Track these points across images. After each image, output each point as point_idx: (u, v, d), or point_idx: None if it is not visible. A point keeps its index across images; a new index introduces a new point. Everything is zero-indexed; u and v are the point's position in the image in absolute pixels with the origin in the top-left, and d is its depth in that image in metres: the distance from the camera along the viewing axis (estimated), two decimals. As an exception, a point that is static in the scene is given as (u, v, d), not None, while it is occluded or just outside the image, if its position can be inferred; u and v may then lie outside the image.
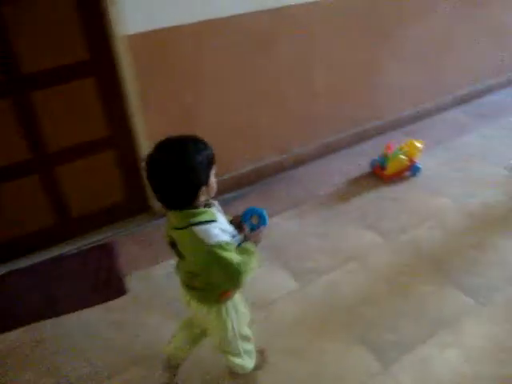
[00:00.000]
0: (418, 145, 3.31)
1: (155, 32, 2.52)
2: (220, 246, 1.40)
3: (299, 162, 3.50)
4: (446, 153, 3.57)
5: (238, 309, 1.68)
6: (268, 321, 2.26)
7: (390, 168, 3.24)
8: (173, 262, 1.65)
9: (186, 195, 1.42)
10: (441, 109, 4.17)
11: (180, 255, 1.53)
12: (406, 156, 3.26)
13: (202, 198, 1.46)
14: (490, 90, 4.49)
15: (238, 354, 1.77)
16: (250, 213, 1.63)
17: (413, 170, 3.30)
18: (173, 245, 1.52)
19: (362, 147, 3.71)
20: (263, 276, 2.51)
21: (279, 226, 2.91)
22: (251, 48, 2.92)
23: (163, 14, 2.51)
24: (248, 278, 1.47)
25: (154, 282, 2.53)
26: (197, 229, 1.40)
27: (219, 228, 1.44)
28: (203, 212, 1.44)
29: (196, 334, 1.83)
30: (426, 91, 4.03)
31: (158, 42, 2.56)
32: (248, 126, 3.15)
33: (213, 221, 1.44)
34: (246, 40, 2.88)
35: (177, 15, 2.56)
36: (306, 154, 3.52)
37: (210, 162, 1.44)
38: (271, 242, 2.74)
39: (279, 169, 3.43)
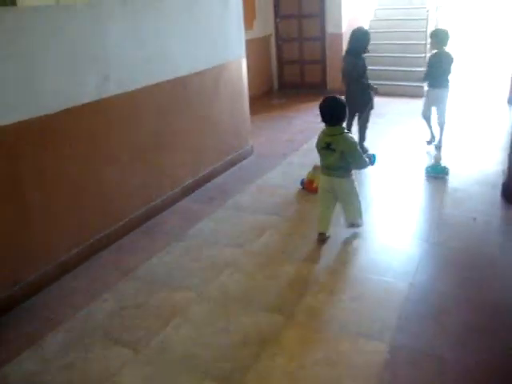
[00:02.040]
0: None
1: None
2: (357, 143, 3.41)
3: (33, 290, 3.18)
4: (181, 244, 3.73)
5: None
6: None
7: (316, 183, 4.13)
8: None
9: (340, 120, 3.39)
10: (172, 202, 4.39)
11: (333, 150, 3.31)
12: None
13: (344, 122, 3.54)
14: (214, 175, 4.95)
15: (359, 203, 3.60)
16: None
17: None
18: (327, 147, 3.34)
19: (101, 256, 3.62)
20: None
21: (15, 373, 2.55)
22: None
23: None
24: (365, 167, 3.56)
25: None
26: (347, 134, 3.37)
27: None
28: (345, 127, 3.49)
29: (332, 203, 3.58)
30: (154, 188, 4.19)
31: None
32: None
33: (349, 131, 3.81)
34: None
35: None
36: (39, 280, 3.22)
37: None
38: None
39: (10, 303, 3.05)
